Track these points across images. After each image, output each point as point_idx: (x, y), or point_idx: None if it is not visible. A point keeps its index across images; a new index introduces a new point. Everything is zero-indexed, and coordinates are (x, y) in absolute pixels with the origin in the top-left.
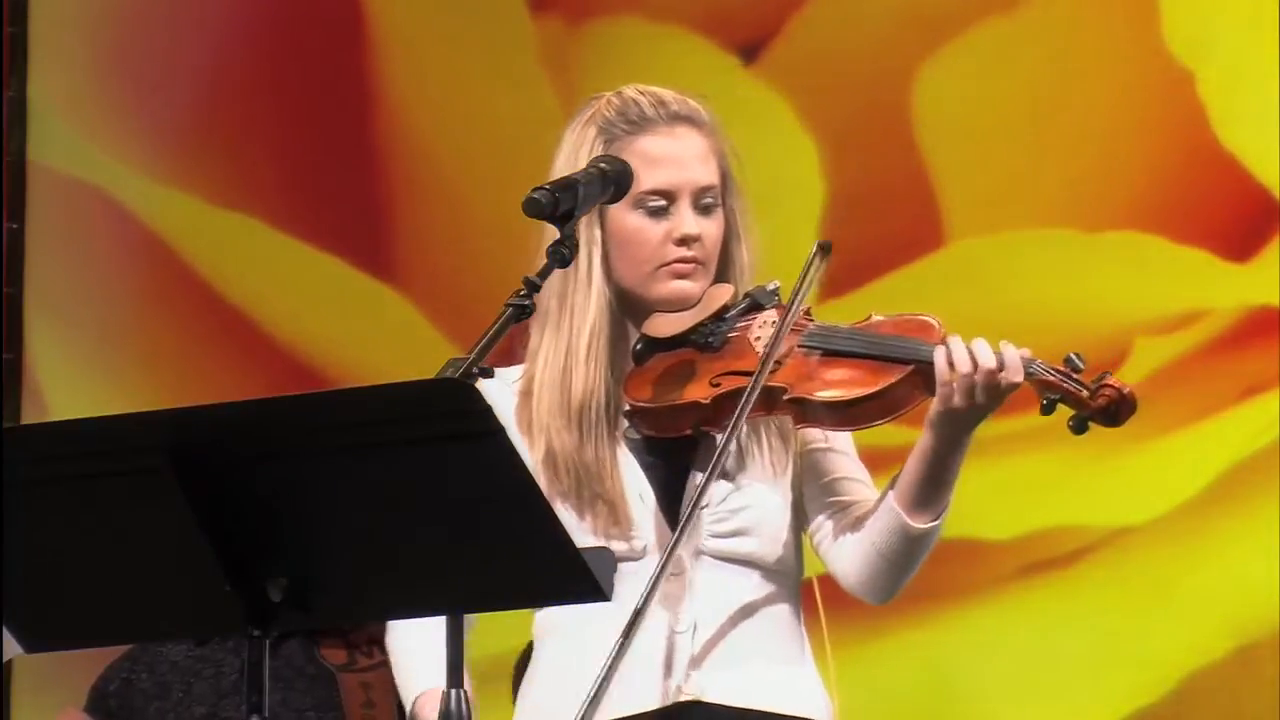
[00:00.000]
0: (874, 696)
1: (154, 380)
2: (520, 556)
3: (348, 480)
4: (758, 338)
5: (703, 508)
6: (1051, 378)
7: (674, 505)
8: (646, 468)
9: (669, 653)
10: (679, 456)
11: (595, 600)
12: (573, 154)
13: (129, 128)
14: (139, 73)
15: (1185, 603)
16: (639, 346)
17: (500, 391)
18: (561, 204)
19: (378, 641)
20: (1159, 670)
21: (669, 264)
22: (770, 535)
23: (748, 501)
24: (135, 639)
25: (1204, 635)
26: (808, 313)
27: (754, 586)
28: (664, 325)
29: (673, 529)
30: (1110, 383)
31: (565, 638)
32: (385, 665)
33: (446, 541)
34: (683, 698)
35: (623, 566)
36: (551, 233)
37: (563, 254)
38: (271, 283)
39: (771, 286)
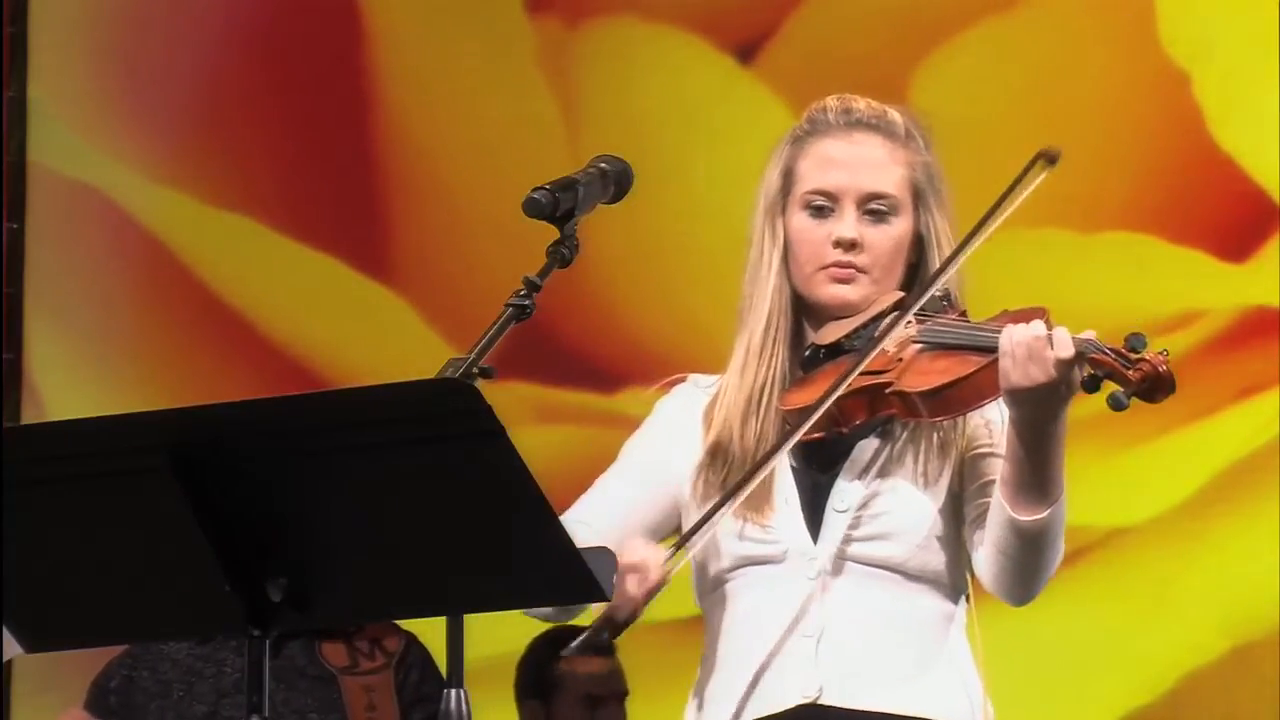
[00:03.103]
0: None
1: (153, 380)
2: (520, 556)
3: (348, 480)
4: (887, 337)
5: (842, 511)
6: (1101, 356)
7: (819, 510)
8: (796, 472)
9: (792, 657)
10: (831, 462)
11: (595, 600)
12: (770, 158)
13: (129, 128)
14: (138, 73)
15: (1182, 602)
16: (807, 354)
17: (690, 394)
18: (561, 204)
19: (380, 644)
20: (1156, 670)
21: (827, 267)
22: (914, 541)
23: (891, 506)
24: (135, 639)
25: (1201, 635)
26: (963, 313)
27: (896, 593)
28: (828, 333)
29: (814, 534)
30: (1148, 358)
31: (719, 643)
32: (387, 668)
33: (446, 541)
34: (799, 701)
35: (764, 570)
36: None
37: (563, 254)
38: (270, 283)
39: (940, 292)
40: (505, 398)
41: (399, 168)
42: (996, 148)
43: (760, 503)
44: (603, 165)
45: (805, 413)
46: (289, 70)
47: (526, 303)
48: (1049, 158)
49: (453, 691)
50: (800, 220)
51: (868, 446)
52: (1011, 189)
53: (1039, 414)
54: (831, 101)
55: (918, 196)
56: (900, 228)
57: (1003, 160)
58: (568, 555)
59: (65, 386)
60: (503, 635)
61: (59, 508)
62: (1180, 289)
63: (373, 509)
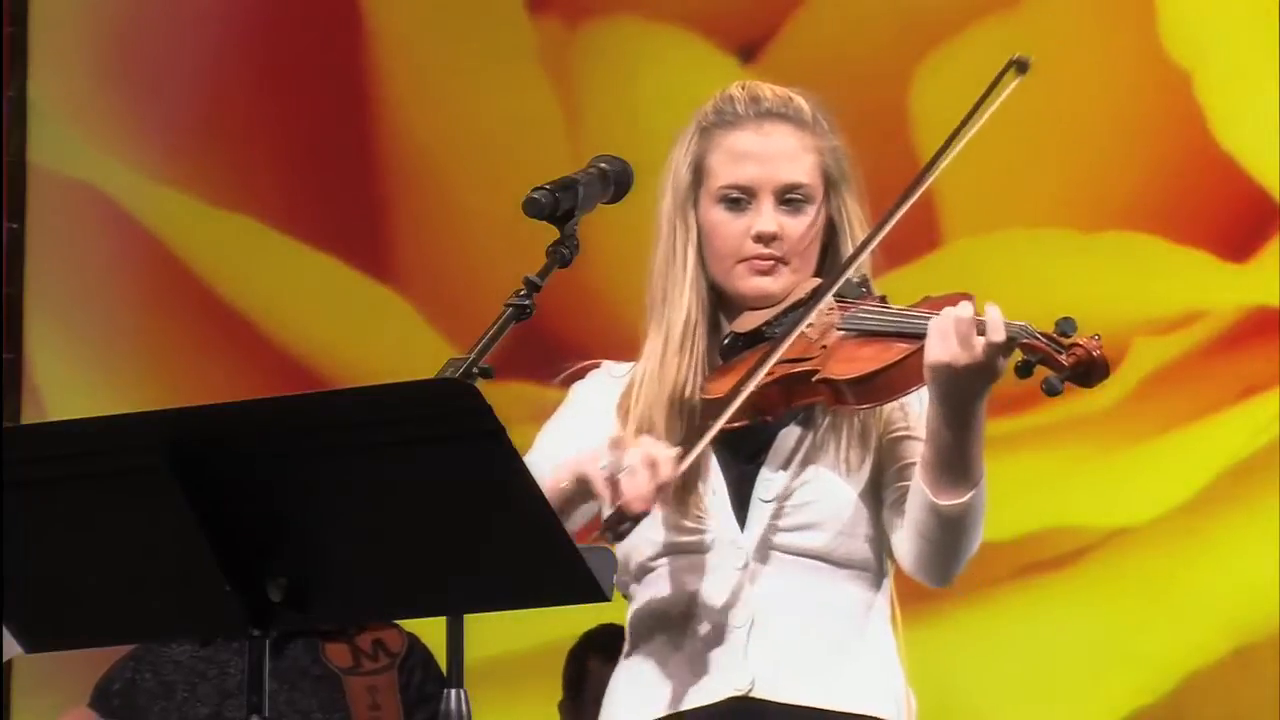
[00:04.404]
0: None
1: (153, 380)
2: (520, 556)
3: (348, 480)
4: (810, 324)
5: (768, 501)
6: (1033, 341)
7: (744, 499)
8: (721, 461)
9: (723, 649)
10: (754, 451)
11: (595, 600)
12: (676, 148)
13: (129, 128)
14: (139, 73)
15: (1184, 603)
16: (726, 342)
17: (604, 383)
18: (561, 204)
19: (383, 645)
20: (1158, 670)
21: (747, 260)
22: (840, 530)
23: (815, 495)
24: (135, 639)
25: (1203, 635)
26: (883, 298)
27: (821, 581)
28: (747, 321)
29: (741, 523)
30: (1081, 343)
31: (642, 635)
32: (390, 668)
33: (446, 541)
34: (731, 694)
35: (691, 559)
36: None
37: (563, 254)
38: (270, 283)
39: (858, 278)
40: (505, 398)
41: (399, 168)
42: (997, 147)
43: (686, 492)
44: (603, 165)
45: (727, 400)
46: (289, 70)
47: (526, 303)
48: (1020, 65)
49: (453, 691)
50: (716, 214)
51: (789, 435)
52: (982, 99)
53: (962, 396)
54: (737, 91)
55: (829, 182)
56: (816, 216)
57: (1003, 159)
58: (568, 555)
59: (65, 386)
60: (503, 635)
61: (59, 508)
62: (1181, 289)
63: (373, 509)
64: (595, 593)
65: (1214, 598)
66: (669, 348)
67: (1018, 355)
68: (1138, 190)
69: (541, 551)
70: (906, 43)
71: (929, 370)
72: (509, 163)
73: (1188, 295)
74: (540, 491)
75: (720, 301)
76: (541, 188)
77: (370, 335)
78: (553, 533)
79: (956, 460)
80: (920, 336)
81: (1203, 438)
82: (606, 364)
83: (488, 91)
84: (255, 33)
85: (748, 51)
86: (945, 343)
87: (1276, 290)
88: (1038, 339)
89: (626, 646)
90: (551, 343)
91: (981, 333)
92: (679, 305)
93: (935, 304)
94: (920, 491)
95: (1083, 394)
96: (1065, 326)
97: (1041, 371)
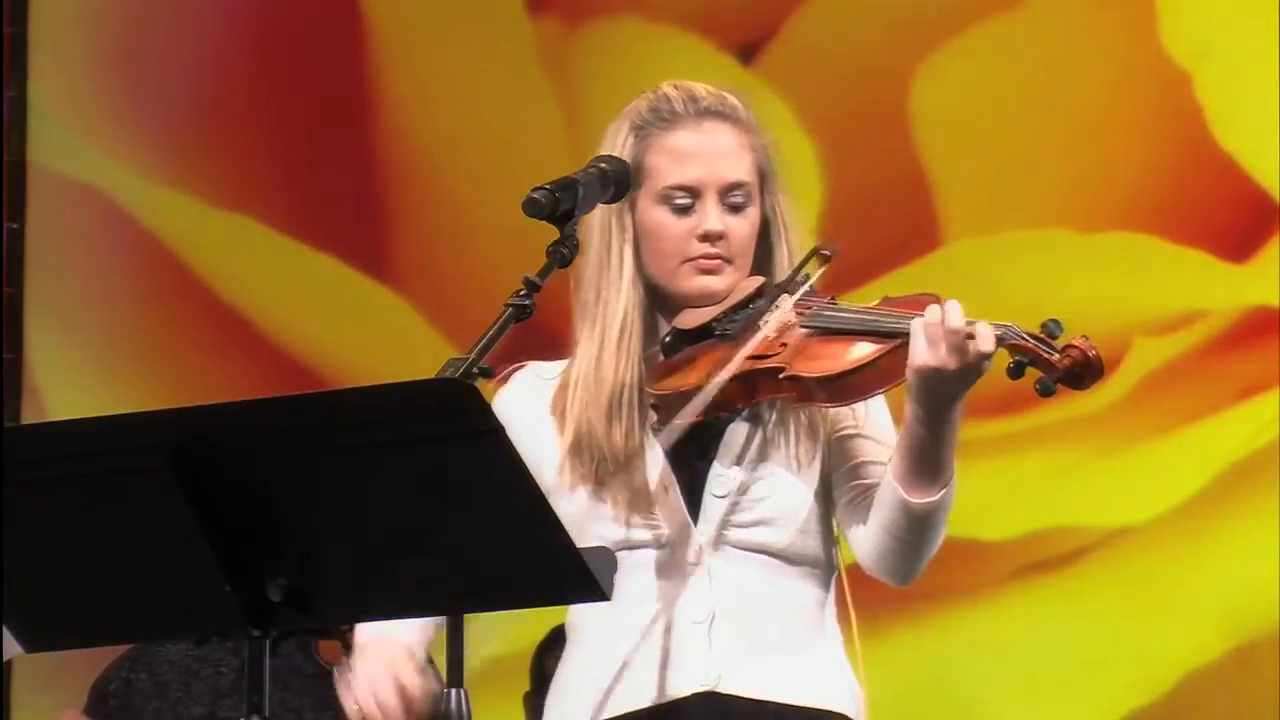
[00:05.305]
0: (872, 696)
1: (153, 380)
2: (520, 556)
3: (348, 480)
4: (766, 322)
5: (721, 497)
6: (1022, 342)
7: (696, 495)
8: (671, 458)
9: (685, 644)
10: (703, 447)
11: (595, 600)
12: (606, 150)
13: (129, 128)
14: (139, 73)
15: (1184, 602)
16: (667, 339)
17: (533, 384)
18: (561, 204)
19: None
20: (1158, 670)
21: (693, 259)
22: (793, 525)
23: (769, 491)
24: (135, 639)
25: (1202, 635)
26: (833, 299)
27: (776, 577)
28: (690, 318)
29: (694, 519)
30: (1077, 344)
31: (594, 631)
32: None
33: (446, 541)
34: (697, 689)
35: (644, 555)
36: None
37: (563, 254)
38: (270, 283)
39: (802, 277)
40: None
41: (399, 168)
42: (997, 148)
43: (640, 490)
44: (603, 165)
45: (689, 394)
46: (289, 70)
47: (526, 303)
48: (823, 256)
49: (453, 691)
50: (659, 214)
51: (739, 431)
52: (793, 272)
53: (944, 399)
54: (671, 90)
55: (763, 180)
56: (755, 214)
57: (1003, 160)
58: (568, 555)
59: (66, 386)
60: (503, 635)
61: (59, 508)
62: (1181, 289)
63: (372, 509)
64: (595, 592)
65: (1214, 597)
66: (605, 348)
67: (1007, 357)
68: (1137, 190)
69: (542, 551)
70: (906, 42)
71: (915, 373)
72: (509, 163)
73: (1188, 295)
74: (540, 491)
75: (658, 302)
76: (541, 188)
77: (370, 335)
78: (553, 533)
79: (931, 459)
80: (894, 336)
81: (1203, 438)
82: (533, 365)
83: (488, 91)
84: (255, 33)
85: (747, 51)
86: (934, 348)
87: (1276, 290)
88: (1026, 340)
89: (572, 641)
90: (551, 343)
91: (970, 337)
92: (616, 305)
93: (897, 305)
94: (891, 488)
95: (1083, 394)
96: (1053, 328)
97: (1033, 373)
